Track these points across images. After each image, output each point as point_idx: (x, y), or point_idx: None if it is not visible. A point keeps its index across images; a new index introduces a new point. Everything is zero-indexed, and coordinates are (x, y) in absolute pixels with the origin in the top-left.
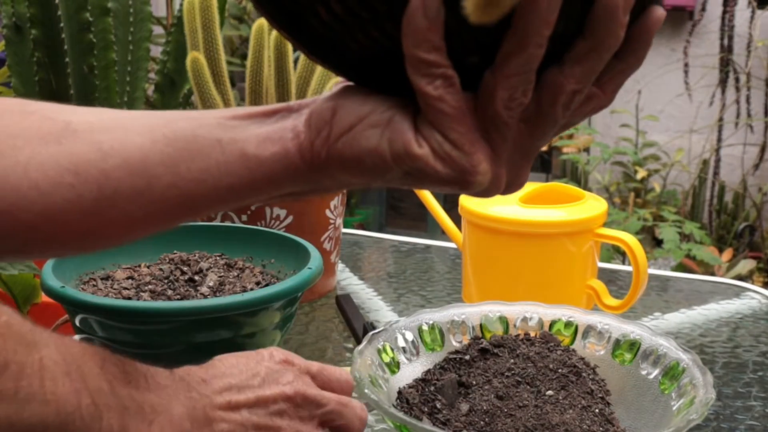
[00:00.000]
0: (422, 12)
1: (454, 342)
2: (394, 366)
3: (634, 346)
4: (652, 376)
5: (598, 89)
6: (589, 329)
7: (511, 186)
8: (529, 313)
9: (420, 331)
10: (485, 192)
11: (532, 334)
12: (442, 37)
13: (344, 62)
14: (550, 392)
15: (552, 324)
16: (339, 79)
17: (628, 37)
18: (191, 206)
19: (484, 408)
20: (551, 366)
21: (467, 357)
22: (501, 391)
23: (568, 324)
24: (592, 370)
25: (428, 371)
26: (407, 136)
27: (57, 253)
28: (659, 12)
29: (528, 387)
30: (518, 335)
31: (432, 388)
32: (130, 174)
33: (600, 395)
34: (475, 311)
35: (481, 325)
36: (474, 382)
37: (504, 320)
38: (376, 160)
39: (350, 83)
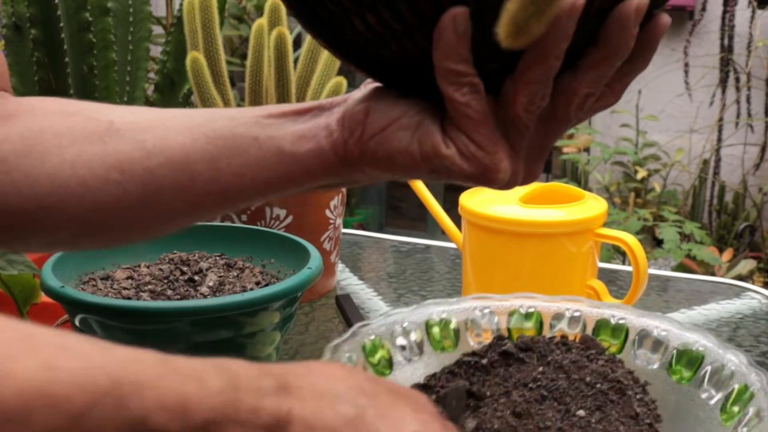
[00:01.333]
0: (452, 27)
1: (471, 341)
2: (383, 367)
3: (695, 360)
4: (713, 402)
5: (607, 89)
6: (644, 335)
7: (527, 179)
8: (570, 310)
9: (428, 325)
10: (505, 186)
11: (571, 338)
12: (469, 49)
13: (376, 68)
14: (581, 412)
15: (598, 326)
16: (338, 80)
17: (636, 42)
18: (231, 198)
19: (496, 427)
20: (588, 379)
21: (484, 361)
22: (520, 407)
23: (617, 328)
24: (641, 387)
25: (433, 375)
26: (436, 138)
27: (104, 244)
28: (665, 19)
29: (555, 404)
30: (553, 338)
31: (434, 397)
32: (173, 171)
33: (647, 421)
34: (503, 305)
35: (508, 323)
36: (488, 393)
37: (537, 317)
38: (406, 158)
39: (380, 85)
